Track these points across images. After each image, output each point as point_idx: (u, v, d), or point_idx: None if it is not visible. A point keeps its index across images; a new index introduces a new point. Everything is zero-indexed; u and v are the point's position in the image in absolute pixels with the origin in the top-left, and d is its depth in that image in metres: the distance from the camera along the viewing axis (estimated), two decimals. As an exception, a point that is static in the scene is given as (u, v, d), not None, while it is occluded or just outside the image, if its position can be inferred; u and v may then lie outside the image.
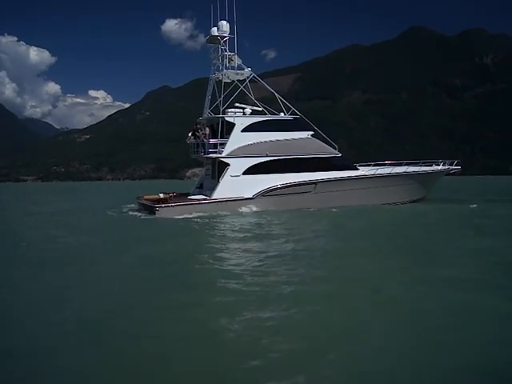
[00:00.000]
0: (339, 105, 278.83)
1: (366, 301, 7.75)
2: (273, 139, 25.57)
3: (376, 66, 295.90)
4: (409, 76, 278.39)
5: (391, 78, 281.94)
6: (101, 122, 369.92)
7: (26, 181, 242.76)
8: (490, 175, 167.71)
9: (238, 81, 27.63)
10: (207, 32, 27.49)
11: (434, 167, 30.21)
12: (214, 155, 24.84)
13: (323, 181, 25.82)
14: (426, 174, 29.60)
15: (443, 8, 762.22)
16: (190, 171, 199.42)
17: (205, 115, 27.56)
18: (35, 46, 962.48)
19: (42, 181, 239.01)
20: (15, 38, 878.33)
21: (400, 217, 23.44)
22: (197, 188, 28.02)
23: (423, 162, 29.93)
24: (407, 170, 28.90)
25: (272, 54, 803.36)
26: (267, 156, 25.24)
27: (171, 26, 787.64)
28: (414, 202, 29.37)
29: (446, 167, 30.50)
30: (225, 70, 26.75)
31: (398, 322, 6.62)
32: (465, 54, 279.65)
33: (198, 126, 26.16)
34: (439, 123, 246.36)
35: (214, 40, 27.55)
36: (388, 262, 11.10)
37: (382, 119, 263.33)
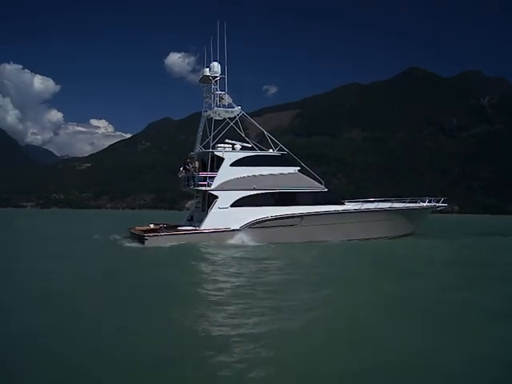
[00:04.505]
0: (338, 141, 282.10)
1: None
2: (260, 173, 26.66)
3: (375, 105, 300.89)
4: (406, 115, 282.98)
5: (389, 116, 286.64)
6: (102, 151, 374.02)
7: (26, 207, 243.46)
8: (488, 214, 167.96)
9: (229, 118, 28.91)
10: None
11: (420, 204, 30.78)
12: (203, 188, 25.85)
13: (309, 214, 26.61)
14: (411, 209, 30.17)
15: (441, 50, 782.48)
16: (189, 202, 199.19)
17: (196, 150, 28.77)
18: (40, 74, 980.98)
19: (42, 207, 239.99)
20: (20, 66, 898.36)
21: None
22: (187, 220, 28.73)
23: (410, 200, 30.59)
24: (392, 206, 29.69)
25: (273, 90, 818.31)
26: (254, 189, 26.27)
27: (174, 59, 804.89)
28: (401, 237, 29.67)
29: (432, 204, 31.07)
30: (215, 108, 28.11)
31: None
32: (461, 95, 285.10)
33: (189, 160, 27.28)
34: (436, 162, 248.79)
35: (206, 80, 29.08)
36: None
37: (380, 156, 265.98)
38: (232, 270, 15.97)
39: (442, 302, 10.52)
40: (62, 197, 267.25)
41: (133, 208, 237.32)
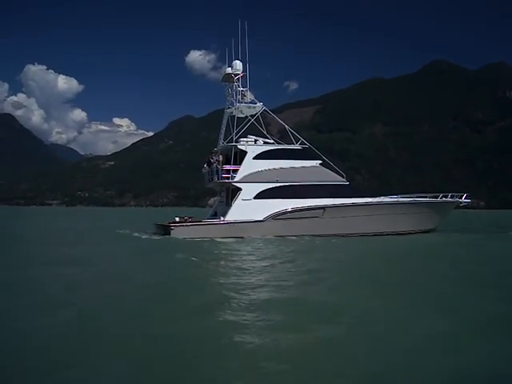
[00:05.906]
0: (360, 137, 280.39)
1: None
2: (282, 166, 27.03)
3: (397, 99, 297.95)
4: (430, 109, 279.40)
5: (412, 110, 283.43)
6: (124, 149, 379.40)
7: (51, 205, 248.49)
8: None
9: (251, 116, 29.30)
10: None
11: (443, 199, 30.54)
12: (227, 180, 26.35)
13: (331, 206, 26.82)
14: (434, 203, 30.02)
15: (465, 42, 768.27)
16: (211, 199, 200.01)
17: (219, 146, 29.24)
18: (63, 74, 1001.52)
19: (67, 205, 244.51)
20: (44, 67, 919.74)
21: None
22: (211, 216, 29.17)
23: (432, 196, 30.40)
24: (415, 199, 29.60)
25: (294, 85, 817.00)
26: (277, 182, 26.67)
27: (195, 57, 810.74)
28: (423, 232, 29.54)
29: (455, 199, 30.81)
30: (238, 104, 28.48)
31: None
32: (487, 88, 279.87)
33: (212, 153, 27.78)
34: (461, 156, 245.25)
35: (228, 78, 29.33)
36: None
37: (404, 151, 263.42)
38: (256, 260, 16.36)
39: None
40: (87, 195, 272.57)
41: (156, 205, 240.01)
